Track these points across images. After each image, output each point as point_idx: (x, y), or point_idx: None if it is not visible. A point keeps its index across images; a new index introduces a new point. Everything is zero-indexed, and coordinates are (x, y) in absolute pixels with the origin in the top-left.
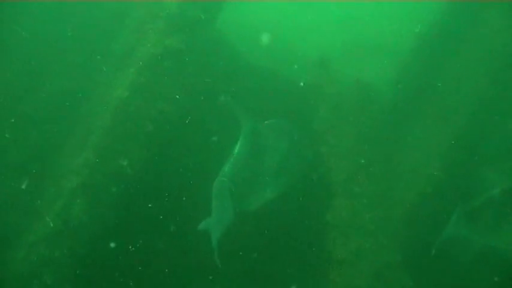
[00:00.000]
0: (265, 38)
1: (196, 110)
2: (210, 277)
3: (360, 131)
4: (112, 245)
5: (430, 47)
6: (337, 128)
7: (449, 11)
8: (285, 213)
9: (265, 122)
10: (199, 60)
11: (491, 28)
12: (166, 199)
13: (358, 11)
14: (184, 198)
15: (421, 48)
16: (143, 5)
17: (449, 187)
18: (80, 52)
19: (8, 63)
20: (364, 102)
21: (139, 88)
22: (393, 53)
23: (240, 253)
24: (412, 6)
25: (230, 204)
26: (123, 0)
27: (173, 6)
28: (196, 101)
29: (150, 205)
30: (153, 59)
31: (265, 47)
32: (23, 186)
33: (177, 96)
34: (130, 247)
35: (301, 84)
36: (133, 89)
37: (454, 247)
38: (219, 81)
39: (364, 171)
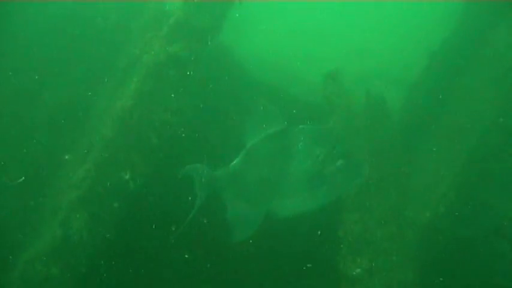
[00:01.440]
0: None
1: (202, 123)
2: None
3: (371, 146)
4: (113, 262)
5: (441, 67)
6: (348, 141)
7: (459, 30)
8: (294, 226)
9: (300, 126)
10: (205, 70)
11: (502, 46)
12: (171, 216)
13: (365, 43)
14: (189, 215)
15: (432, 68)
16: (147, 13)
17: (462, 207)
18: (82, 63)
19: (8, 75)
20: (375, 116)
21: (142, 97)
22: (403, 78)
23: (247, 267)
24: (421, 28)
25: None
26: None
27: (177, 14)
28: (202, 113)
29: (153, 222)
30: (157, 67)
31: (270, 66)
32: (22, 200)
33: (185, 109)
34: (131, 265)
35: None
36: (136, 98)
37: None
38: (226, 93)
39: (376, 186)
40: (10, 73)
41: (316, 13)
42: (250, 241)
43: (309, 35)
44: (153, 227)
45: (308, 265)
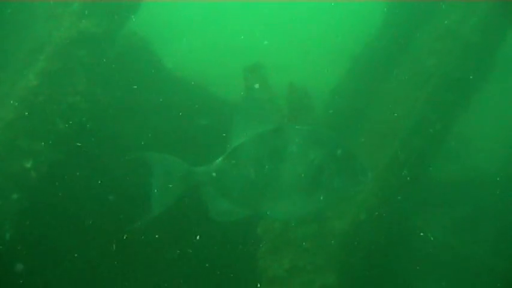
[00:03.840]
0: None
1: (114, 109)
2: None
3: None
4: (11, 262)
5: (363, 71)
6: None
7: (381, 35)
8: (211, 222)
9: (297, 126)
10: (119, 51)
11: (423, 51)
12: (77, 209)
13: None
14: (97, 210)
15: (354, 72)
16: None
17: (383, 213)
18: None
19: None
20: (298, 109)
21: (48, 78)
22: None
23: (159, 269)
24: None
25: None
26: None
27: None
28: (115, 98)
29: (60, 216)
30: (66, 45)
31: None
32: None
33: (97, 93)
34: (33, 267)
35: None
36: (41, 78)
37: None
38: (142, 83)
39: None
40: None
41: (246, 29)
42: (163, 238)
43: (236, 49)
44: (57, 222)
45: (225, 265)
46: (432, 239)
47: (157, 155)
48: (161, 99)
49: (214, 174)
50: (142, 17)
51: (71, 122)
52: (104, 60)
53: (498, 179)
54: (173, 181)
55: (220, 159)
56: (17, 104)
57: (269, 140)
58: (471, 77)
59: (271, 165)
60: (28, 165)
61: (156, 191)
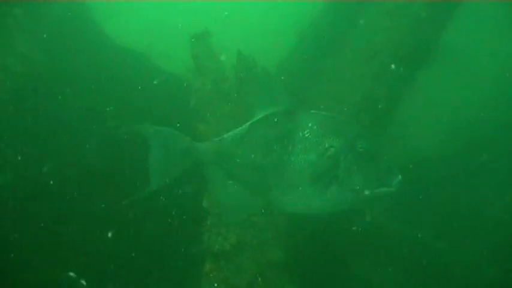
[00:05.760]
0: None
1: (53, 76)
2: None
3: (239, 112)
4: None
5: (309, 48)
6: (216, 106)
7: (328, 10)
8: (155, 196)
9: (312, 110)
10: (59, 16)
11: (372, 29)
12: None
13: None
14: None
15: (299, 50)
16: None
17: None
18: None
19: None
20: (246, 78)
21: None
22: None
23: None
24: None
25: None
26: None
27: None
28: (54, 64)
29: None
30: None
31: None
32: None
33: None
34: None
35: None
36: None
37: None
38: (82, 50)
39: None
40: None
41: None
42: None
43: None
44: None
45: (169, 240)
46: (373, 221)
47: (156, 128)
48: (103, 70)
49: (218, 151)
50: None
51: (7, 88)
52: (42, 22)
53: (435, 162)
54: (174, 156)
55: (226, 136)
56: None
57: (281, 123)
58: (418, 55)
59: (280, 149)
60: None
61: (154, 165)
